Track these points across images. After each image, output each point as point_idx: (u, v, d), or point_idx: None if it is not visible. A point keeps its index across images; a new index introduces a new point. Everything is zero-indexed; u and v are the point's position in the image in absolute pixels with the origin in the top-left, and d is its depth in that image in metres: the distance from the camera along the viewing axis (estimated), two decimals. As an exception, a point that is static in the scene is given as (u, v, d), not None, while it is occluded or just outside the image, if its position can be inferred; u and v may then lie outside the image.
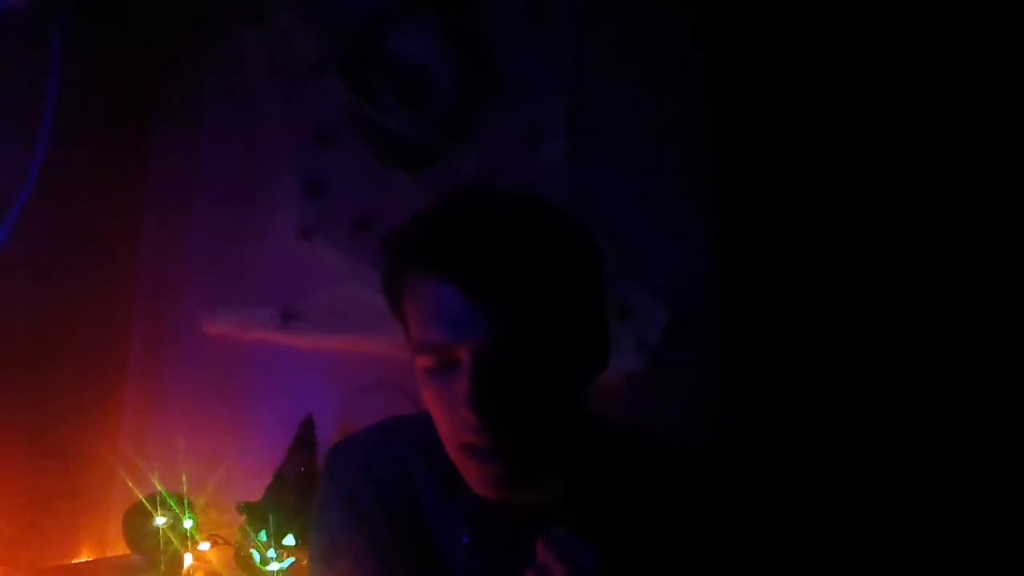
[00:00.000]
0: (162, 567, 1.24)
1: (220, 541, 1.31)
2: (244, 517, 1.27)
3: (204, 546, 1.29)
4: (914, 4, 1.37)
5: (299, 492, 1.26)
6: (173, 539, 1.25)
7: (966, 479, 1.24)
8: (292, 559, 1.23)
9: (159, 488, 1.28)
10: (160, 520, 1.25)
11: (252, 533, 1.24)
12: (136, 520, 1.27)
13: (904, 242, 1.36)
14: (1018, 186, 1.29)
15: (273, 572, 1.22)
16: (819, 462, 1.31)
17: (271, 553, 1.23)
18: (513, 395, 0.67)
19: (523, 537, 0.79)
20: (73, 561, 1.33)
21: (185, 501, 1.29)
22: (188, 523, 1.27)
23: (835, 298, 1.36)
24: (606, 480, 0.80)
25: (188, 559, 1.26)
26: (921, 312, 1.32)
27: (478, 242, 0.68)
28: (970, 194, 1.31)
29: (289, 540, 1.23)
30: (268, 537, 1.24)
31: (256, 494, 1.29)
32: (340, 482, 0.83)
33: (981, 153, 1.32)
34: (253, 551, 1.24)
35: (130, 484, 1.30)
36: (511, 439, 0.69)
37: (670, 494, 0.81)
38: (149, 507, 1.25)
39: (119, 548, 1.33)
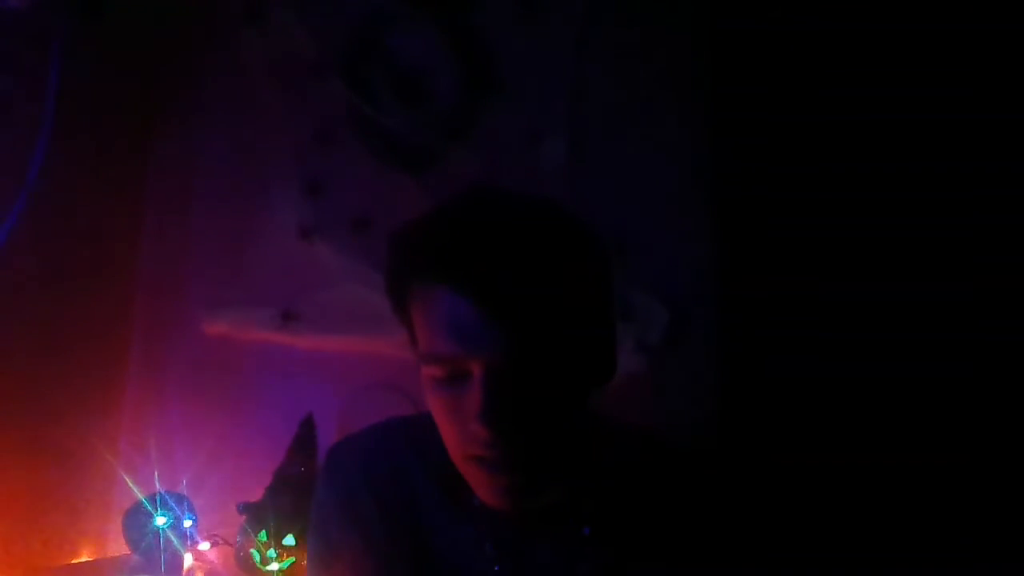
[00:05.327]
0: (162, 567, 1.24)
1: (220, 541, 1.31)
2: (244, 517, 1.27)
3: (204, 546, 1.29)
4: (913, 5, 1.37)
5: (299, 492, 1.26)
6: (173, 539, 1.25)
7: (967, 489, 1.24)
8: (292, 559, 1.23)
9: (159, 488, 1.28)
10: (160, 520, 1.25)
11: (252, 533, 1.24)
12: (136, 520, 1.27)
13: (904, 239, 1.36)
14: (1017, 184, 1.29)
15: (273, 572, 1.22)
16: (820, 463, 1.31)
17: (271, 553, 1.23)
18: (525, 408, 0.66)
19: (525, 537, 0.79)
20: (73, 561, 1.33)
21: (185, 501, 1.29)
22: (188, 523, 1.27)
23: (836, 297, 1.36)
24: (608, 481, 0.80)
25: (188, 559, 1.26)
26: (923, 310, 1.32)
27: (490, 252, 0.66)
28: (971, 191, 1.31)
29: (289, 540, 1.23)
30: (268, 537, 1.23)
31: (256, 494, 1.28)
32: (339, 483, 0.82)
33: (981, 151, 1.32)
34: (253, 551, 1.24)
35: (130, 484, 1.29)
36: (521, 451, 0.68)
37: (671, 494, 0.81)
38: (149, 507, 1.25)
39: (119, 548, 1.33)
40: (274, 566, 1.22)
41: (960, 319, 1.30)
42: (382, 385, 1.43)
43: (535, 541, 0.79)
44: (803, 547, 1.24)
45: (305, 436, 1.33)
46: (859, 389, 1.33)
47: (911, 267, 1.35)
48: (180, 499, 1.28)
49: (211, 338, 1.48)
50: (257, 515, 1.26)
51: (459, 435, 0.70)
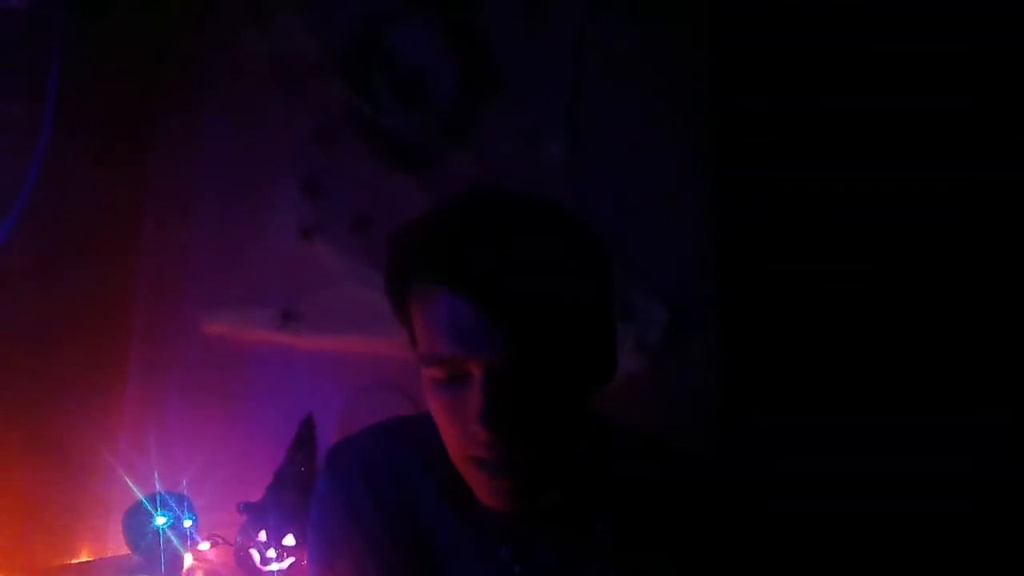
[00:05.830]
0: (162, 567, 1.24)
1: (220, 541, 1.31)
2: (244, 517, 1.27)
3: (204, 546, 1.29)
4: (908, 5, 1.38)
5: (299, 492, 1.26)
6: (173, 539, 1.25)
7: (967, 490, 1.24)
8: (292, 559, 1.23)
9: (159, 488, 1.28)
10: (160, 520, 1.25)
11: (252, 533, 1.24)
12: (136, 520, 1.27)
13: (903, 240, 1.36)
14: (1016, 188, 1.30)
15: (273, 572, 1.23)
16: (819, 462, 1.31)
17: (271, 553, 1.23)
18: (525, 410, 0.66)
19: (527, 537, 0.79)
20: (73, 561, 1.33)
21: (185, 501, 1.29)
22: (188, 523, 1.27)
23: (835, 298, 1.37)
24: (608, 482, 0.80)
25: (188, 559, 1.26)
26: (924, 310, 1.32)
27: (490, 253, 0.66)
28: (972, 188, 1.32)
29: (289, 540, 1.23)
30: (268, 537, 1.24)
31: (256, 494, 1.29)
32: (339, 483, 0.82)
33: (978, 150, 1.33)
34: (253, 551, 1.24)
35: (130, 484, 1.30)
36: (521, 454, 0.68)
37: (670, 495, 0.81)
38: (149, 507, 1.25)
39: (119, 548, 1.33)
40: (274, 566, 1.23)
41: (961, 319, 1.30)
42: (382, 385, 1.43)
43: (537, 541, 0.79)
44: (804, 547, 1.25)
45: (305, 436, 1.34)
46: (859, 389, 1.33)
47: (910, 267, 1.35)
48: (180, 499, 1.28)
49: (211, 338, 1.48)
50: (257, 515, 1.26)
51: (459, 436, 0.70)
